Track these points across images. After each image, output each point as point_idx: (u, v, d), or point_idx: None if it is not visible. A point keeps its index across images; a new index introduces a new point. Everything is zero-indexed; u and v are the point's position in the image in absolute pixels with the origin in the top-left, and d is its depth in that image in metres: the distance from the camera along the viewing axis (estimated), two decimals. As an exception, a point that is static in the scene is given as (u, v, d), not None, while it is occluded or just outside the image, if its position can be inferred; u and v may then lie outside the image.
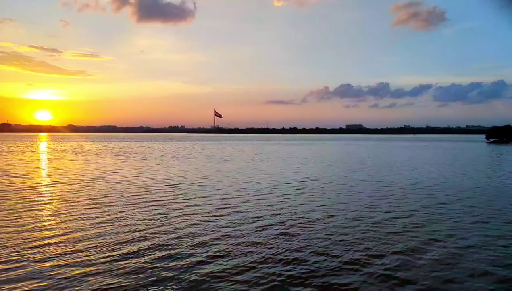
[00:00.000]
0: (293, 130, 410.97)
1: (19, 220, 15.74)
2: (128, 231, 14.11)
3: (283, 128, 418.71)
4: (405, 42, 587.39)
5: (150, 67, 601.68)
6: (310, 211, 17.65)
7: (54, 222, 15.56)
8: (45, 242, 12.80)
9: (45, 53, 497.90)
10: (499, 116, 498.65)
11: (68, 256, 11.34)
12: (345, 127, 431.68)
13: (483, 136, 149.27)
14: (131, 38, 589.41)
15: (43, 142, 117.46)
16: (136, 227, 14.66)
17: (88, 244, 12.51)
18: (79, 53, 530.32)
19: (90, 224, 15.04)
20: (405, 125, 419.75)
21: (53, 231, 14.10)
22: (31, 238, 13.17)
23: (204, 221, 15.70)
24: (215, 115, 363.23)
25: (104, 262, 10.89)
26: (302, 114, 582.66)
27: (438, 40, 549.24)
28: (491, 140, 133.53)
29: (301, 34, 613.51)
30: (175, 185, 25.96)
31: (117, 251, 11.89)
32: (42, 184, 26.26)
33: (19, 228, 14.44)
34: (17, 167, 38.76)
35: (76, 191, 23.06)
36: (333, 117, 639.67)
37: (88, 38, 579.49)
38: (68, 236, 13.48)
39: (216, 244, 12.52)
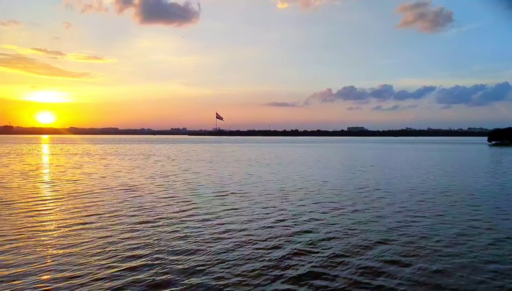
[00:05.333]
0: (295, 133, 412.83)
1: (83, 223, 16.34)
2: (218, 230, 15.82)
3: (285, 130, 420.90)
4: (410, 44, 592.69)
5: (152, 69, 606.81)
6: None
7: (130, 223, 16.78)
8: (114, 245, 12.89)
9: (49, 56, 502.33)
10: (502, 119, 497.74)
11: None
12: (346, 129, 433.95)
13: (485, 138, 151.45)
14: (134, 40, 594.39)
15: (53, 145, 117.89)
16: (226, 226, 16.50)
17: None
18: (82, 55, 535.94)
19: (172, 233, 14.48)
20: (406, 128, 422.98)
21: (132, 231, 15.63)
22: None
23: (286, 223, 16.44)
24: (217, 117, 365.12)
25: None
26: (304, 117, 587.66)
27: (444, 42, 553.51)
28: (493, 142, 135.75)
29: (305, 36, 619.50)
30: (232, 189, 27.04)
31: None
32: (94, 191, 24.96)
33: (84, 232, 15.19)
34: (49, 172, 39.35)
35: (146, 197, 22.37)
36: (335, 119, 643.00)
37: (91, 40, 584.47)
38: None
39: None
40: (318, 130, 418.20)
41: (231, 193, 23.89)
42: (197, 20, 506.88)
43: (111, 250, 12.18)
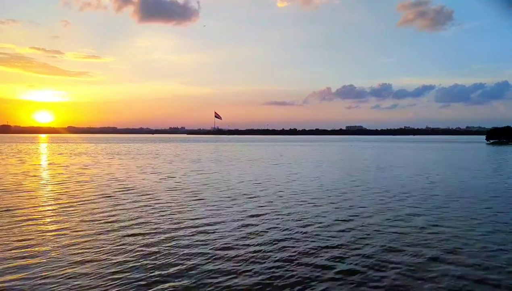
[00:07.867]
0: (293, 132, 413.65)
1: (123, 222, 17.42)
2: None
3: (283, 129, 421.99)
4: (410, 43, 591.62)
5: (151, 68, 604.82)
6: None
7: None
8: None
9: (47, 55, 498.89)
10: (501, 117, 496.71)
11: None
12: (345, 128, 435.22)
13: (483, 137, 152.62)
14: (133, 38, 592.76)
15: (53, 145, 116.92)
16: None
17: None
18: (81, 54, 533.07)
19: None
20: (405, 127, 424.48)
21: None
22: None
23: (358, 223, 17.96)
24: (215, 116, 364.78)
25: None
26: (303, 116, 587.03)
27: (444, 40, 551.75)
28: (491, 141, 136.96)
29: (304, 34, 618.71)
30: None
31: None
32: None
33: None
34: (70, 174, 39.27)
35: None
36: (334, 118, 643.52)
37: (90, 38, 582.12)
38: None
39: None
40: (317, 129, 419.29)
41: (248, 194, 23.99)
42: (197, 18, 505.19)
43: (130, 259, 11.58)
